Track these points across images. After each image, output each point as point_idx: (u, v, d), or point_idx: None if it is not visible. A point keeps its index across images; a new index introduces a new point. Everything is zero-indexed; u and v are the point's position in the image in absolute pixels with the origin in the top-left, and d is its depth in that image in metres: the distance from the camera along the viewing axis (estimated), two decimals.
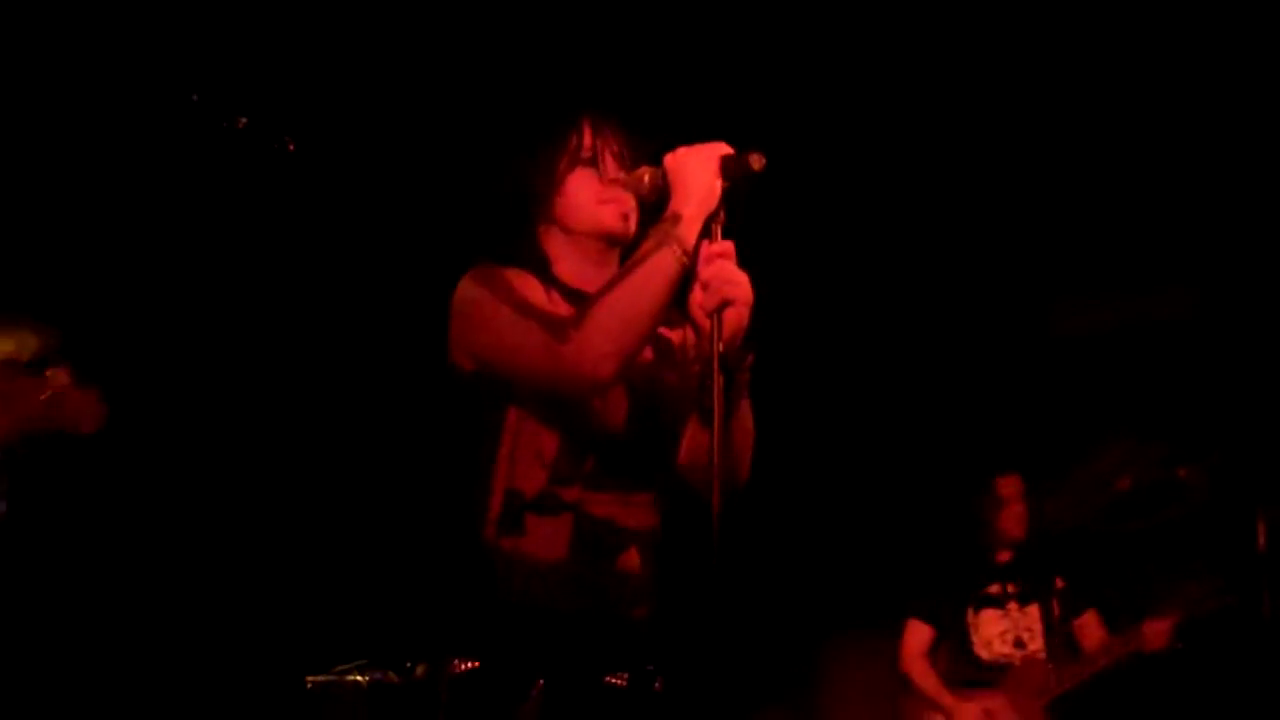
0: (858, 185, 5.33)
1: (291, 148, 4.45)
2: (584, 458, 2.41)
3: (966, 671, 4.94)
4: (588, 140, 2.52)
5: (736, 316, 2.29)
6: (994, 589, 4.90)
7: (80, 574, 4.89)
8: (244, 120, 4.02)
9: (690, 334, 2.51)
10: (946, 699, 4.91)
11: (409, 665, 4.75)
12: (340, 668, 4.78)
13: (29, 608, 4.51)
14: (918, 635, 5.07)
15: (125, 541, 4.98)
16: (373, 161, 4.76)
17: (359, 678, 4.72)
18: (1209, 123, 4.91)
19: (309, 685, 4.79)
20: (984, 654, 4.89)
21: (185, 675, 5.05)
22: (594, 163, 2.51)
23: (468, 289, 2.44)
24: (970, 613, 4.93)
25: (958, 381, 5.87)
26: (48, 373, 2.13)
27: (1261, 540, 4.48)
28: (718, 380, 2.21)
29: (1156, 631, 4.58)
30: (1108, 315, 5.75)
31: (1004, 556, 4.96)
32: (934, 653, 5.04)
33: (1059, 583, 4.88)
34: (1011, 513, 4.93)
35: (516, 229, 2.54)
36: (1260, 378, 5.14)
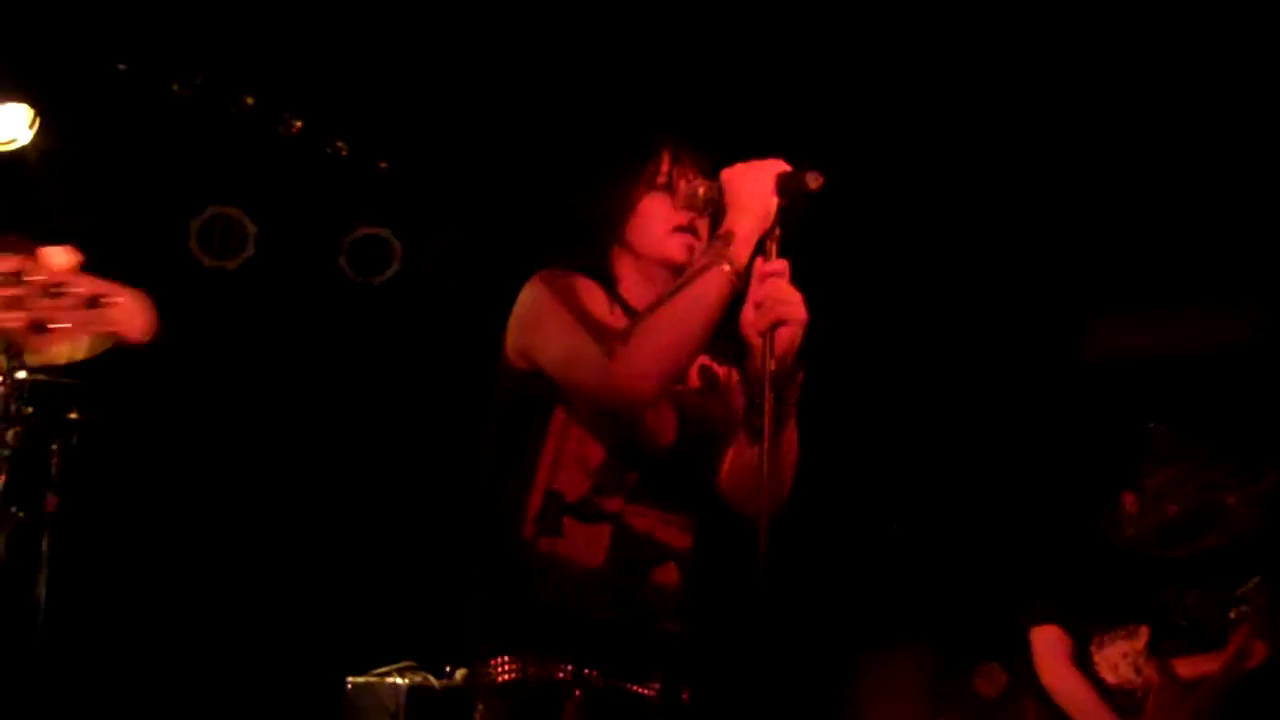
0: (897, 206, 5.32)
1: (345, 153, 4.53)
2: (628, 471, 2.41)
3: None
4: (665, 167, 2.51)
5: (789, 335, 2.26)
6: (1121, 607, 4.56)
7: (124, 576, 4.93)
8: (343, 146, 4.09)
9: (735, 372, 2.51)
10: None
11: (448, 669, 4.77)
12: (380, 670, 4.81)
13: (79, 602, 4.56)
14: (1057, 641, 4.34)
15: (171, 544, 5.02)
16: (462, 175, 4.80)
17: (398, 680, 4.75)
18: (1253, 145, 4.87)
19: (349, 687, 4.82)
20: (1110, 678, 4.37)
21: (229, 675, 5.08)
22: (669, 189, 2.50)
23: (533, 289, 2.45)
24: (1099, 630, 4.38)
25: (1004, 400, 5.84)
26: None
27: None
28: (769, 398, 2.20)
29: (1258, 648, 4.44)
30: (1155, 337, 5.72)
31: (1116, 559, 4.61)
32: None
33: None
34: (1135, 523, 4.58)
35: (589, 246, 2.54)
36: None
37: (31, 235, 1.81)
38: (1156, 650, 4.36)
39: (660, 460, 2.44)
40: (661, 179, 2.51)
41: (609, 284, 2.51)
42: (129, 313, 1.79)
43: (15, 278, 1.75)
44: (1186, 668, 4.43)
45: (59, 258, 1.82)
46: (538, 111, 4.67)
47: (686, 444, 2.45)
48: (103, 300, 1.79)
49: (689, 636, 2.48)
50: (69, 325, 1.82)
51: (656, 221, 2.50)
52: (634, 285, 2.53)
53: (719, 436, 2.51)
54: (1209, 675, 4.42)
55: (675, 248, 2.49)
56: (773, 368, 2.23)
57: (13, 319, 1.74)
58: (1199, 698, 4.37)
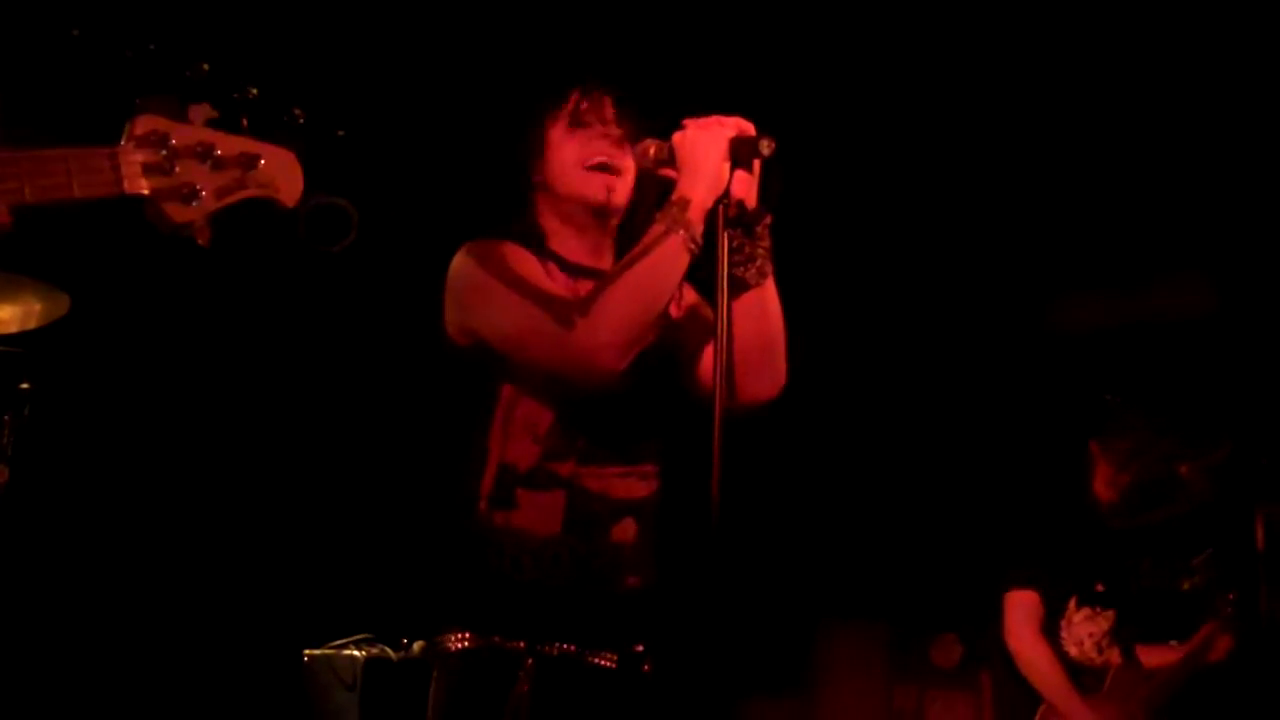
0: (864, 184, 5.32)
1: (302, 119, 4.47)
2: (577, 433, 2.39)
3: None
4: (576, 102, 2.48)
5: (744, 179, 2.28)
6: (1098, 587, 4.53)
7: (77, 549, 4.89)
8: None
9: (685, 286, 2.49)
10: (1074, 698, 4.25)
11: (405, 641, 4.76)
12: (337, 643, 4.80)
13: (31, 577, 4.52)
14: (1032, 607, 4.31)
15: (125, 518, 4.98)
16: (369, 132, 4.74)
17: (355, 653, 4.73)
18: (1211, 118, 4.89)
19: (306, 659, 4.80)
20: (1073, 651, 4.35)
21: (184, 651, 5.05)
22: (581, 124, 2.47)
23: (463, 265, 2.42)
24: (1073, 603, 4.37)
25: (968, 378, 5.87)
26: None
27: (1260, 539, 4.47)
28: (722, 298, 2.19)
29: (1222, 642, 4.46)
30: (1111, 310, 5.75)
31: (1097, 529, 4.59)
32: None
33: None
34: (1102, 474, 4.56)
35: (511, 195, 2.51)
36: (1266, 375, 5.13)
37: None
38: (1121, 635, 4.38)
39: (613, 410, 2.41)
40: (572, 114, 2.47)
41: (537, 241, 2.48)
42: (280, 173, 1.75)
43: (159, 140, 1.66)
44: (1149, 656, 4.45)
45: (207, 116, 1.72)
46: (447, 70, 4.63)
47: (639, 381, 2.40)
48: (254, 161, 1.73)
49: (651, 590, 2.47)
50: (216, 191, 1.69)
51: (569, 158, 2.46)
52: (563, 235, 2.50)
53: (683, 350, 2.49)
54: (1168, 665, 4.46)
55: (594, 187, 2.46)
56: (733, 214, 2.24)
57: (155, 185, 1.65)
58: (1156, 684, 4.41)
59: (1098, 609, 4.39)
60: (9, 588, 4.24)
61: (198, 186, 1.66)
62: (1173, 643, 4.50)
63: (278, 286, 4.89)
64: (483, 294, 2.38)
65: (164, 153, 1.65)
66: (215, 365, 5.14)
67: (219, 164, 1.68)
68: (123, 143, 1.66)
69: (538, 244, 2.48)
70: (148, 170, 1.64)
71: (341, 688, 4.68)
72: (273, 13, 4.38)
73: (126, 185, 1.64)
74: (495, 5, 4.53)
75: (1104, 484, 4.47)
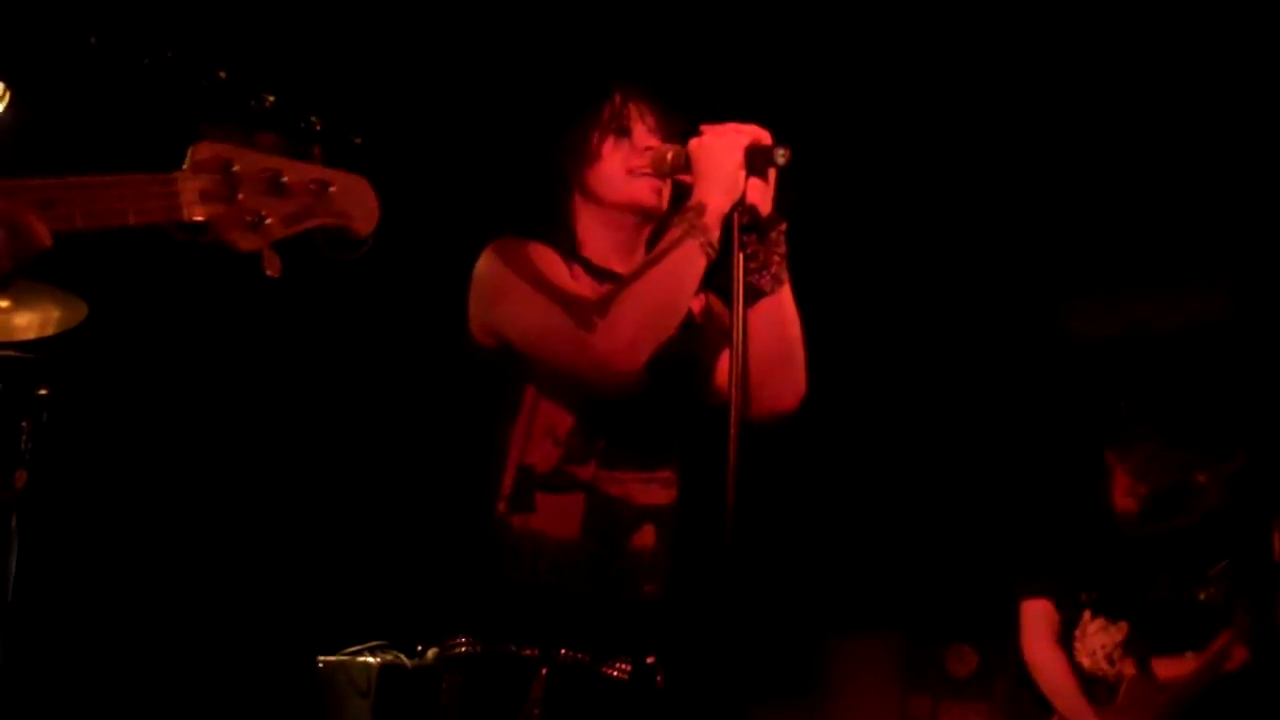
0: (879, 189, 5.32)
1: (318, 127, 4.49)
2: (598, 436, 2.39)
3: None
4: (620, 110, 2.49)
5: (759, 186, 2.30)
6: (1114, 597, 4.51)
7: (94, 553, 4.91)
8: (271, 99, 4.02)
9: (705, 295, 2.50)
10: (1086, 709, 4.24)
11: (420, 648, 4.76)
12: (351, 649, 4.80)
13: (49, 580, 4.53)
14: (1047, 617, 4.31)
15: (142, 522, 5.00)
16: (398, 131, 4.76)
17: (370, 659, 4.74)
18: (1228, 124, 4.88)
19: (320, 666, 4.81)
20: (1086, 662, 4.34)
21: (199, 654, 5.06)
22: (626, 133, 2.48)
23: (489, 264, 2.42)
24: (1088, 614, 4.37)
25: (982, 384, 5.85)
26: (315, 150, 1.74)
27: (1277, 549, 4.44)
28: (738, 305, 2.19)
29: (1238, 652, 4.44)
30: (1126, 317, 5.74)
31: (1112, 539, 4.58)
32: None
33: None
34: (1120, 484, 4.54)
35: (547, 200, 2.52)
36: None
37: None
38: (1135, 647, 4.36)
39: (634, 414, 2.41)
40: (618, 122, 2.48)
41: (567, 244, 2.49)
42: (353, 200, 1.70)
43: (221, 166, 1.62)
44: (1164, 668, 4.42)
45: (275, 143, 1.67)
46: (486, 70, 4.65)
47: (666, 382, 2.41)
48: (324, 188, 1.67)
49: (668, 598, 2.47)
50: (283, 218, 1.64)
51: (618, 166, 2.47)
52: (597, 239, 2.51)
53: (702, 357, 2.50)
54: (1184, 676, 4.43)
55: (643, 191, 2.47)
56: (746, 220, 2.26)
57: (214, 211, 1.60)
58: (1171, 696, 4.38)
59: (1112, 620, 4.37)
60: (27, 590, 4.25)
61: (263, 214, 1.63)
62: (1188, 654, 4.47)
63: (296, 285, 4.89)
64: (505, 292, 2.38)
65: (225, 179, 1.61)
66: (232, 370, 5.15)
67: (286, 191, 1.65)
68: (183, 168, 1.62)
69: (567, 247, 2.49)
70: (207, 197, 1.60)
71: (356, 694, 4.69)
72: (305, 11, 4.41)
73: (184, 212, 1.60)
74: (517, 10, 4.55)
75: (1123, 494, 4.46)
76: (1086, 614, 4.37)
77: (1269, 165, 4.94)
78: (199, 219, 1.60)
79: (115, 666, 4.90)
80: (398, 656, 4.75)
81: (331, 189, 1.67)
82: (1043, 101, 4.93)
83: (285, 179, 1.64)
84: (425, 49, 4.62)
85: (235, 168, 1.61)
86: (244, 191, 1.61)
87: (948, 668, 6.04)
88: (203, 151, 1.62)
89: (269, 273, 1.67)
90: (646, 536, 2.43)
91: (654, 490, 2.45)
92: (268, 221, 1.63)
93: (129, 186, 1.59)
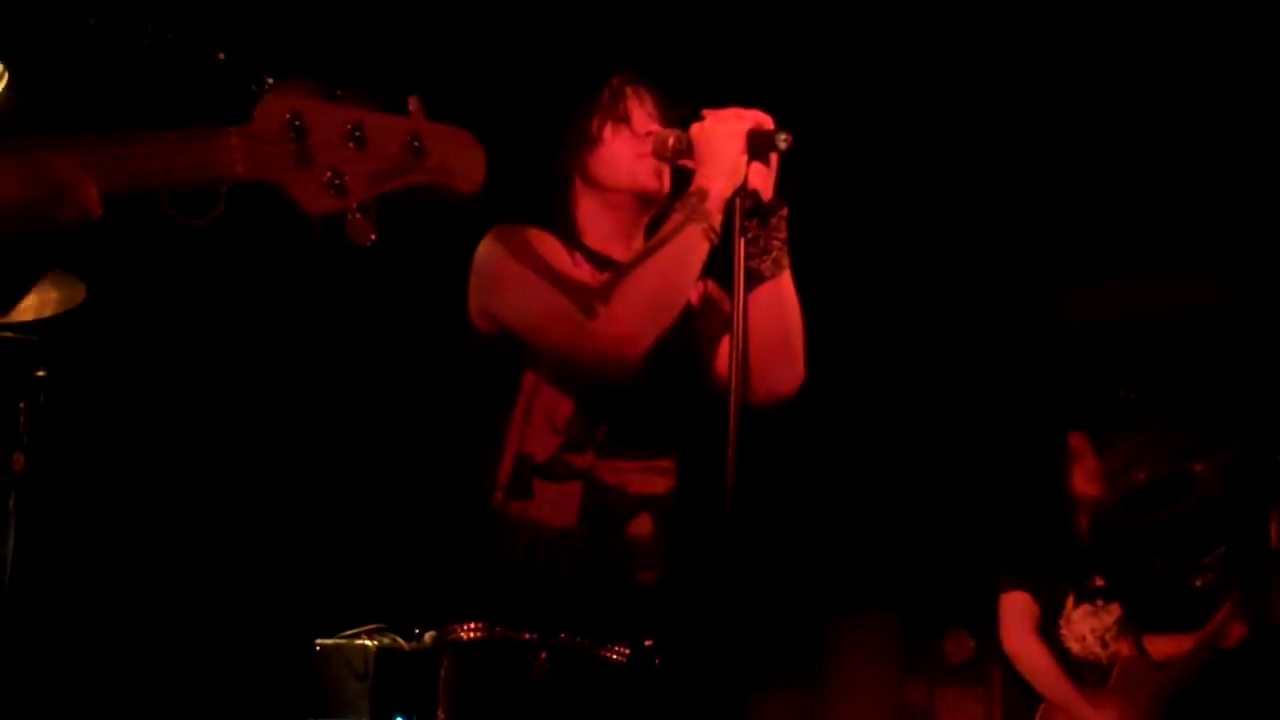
0: (873, 177, 5.31)
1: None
2: (597, 424, 2.38)
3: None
4: (620, 95, 2.48)
5: (760, 170, 2.29)
6: (1098, 582, 4.53)
7: (91, 535, 4.91)
8: (270, 81, 4.00)
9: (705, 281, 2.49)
10: (1073, 695, 4.26)
11: (417, 631, 4.77)
12: (349, 632, 4.81)
13: (46, 563, 4.53)
14: (1024, 608, 4.34)
15: (139, 504, 5.00)
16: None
17: (367, 642, 4.75)
18: (1224, 112, 4.88)
19: (318, 649, 4.82)
20: (1075, 648, 4.36)
21: (196, 637, 5.07)
22: (626, 118, 2.47)
23: (489, 249, 2.41)
24: (1071, 601, 4.38)
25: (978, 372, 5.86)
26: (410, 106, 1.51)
27: (1273, 536, 4.45)
28: (739, 290, 2.19)
29: (1236, 628, 4.44)
30: (1122, 304, 5.74)
31: (1084, 524, 4.60)
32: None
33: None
34: (1084, 468, 4.54)
35: (548, 186, 2.50)
36: (1278, 371, 5.11)
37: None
38: (1130, 625, 4.37)
39: (634, 402, 2.41)
40: (619, 108, 2.47)
41: (568, 229, 2.48)
42: (455, 155, 1.51)
43: (290, 120, 1.44)
44: (1158, 646, 4.45)
45: (357, 97, 1.48)
46: (485, 56, 4.64)
47: (665, 369, 2.40)
48: (419, 142, 1.49)
49: (665, 585, 2.47)
50: (369, 177, 1.46)
51: (620, 151, 2.46)
52: (598, 226, 2.50)
53: (701, 343, 2.49)
54: (1180, 654, 4.44)
55: (644, 174, 2.45)
56: (748, 205, 2.25)
57: (281, 168, 1.43)
58: (1166, 675, 4.39)
59: (1099, 603, 4.38)
60: (24, 574, 4.26)
61: (342, 171, 1.44)
62: (1183, 633, 4.48)
63: (296, 271, 4.88)
64: (507, 278, 2.37)
65: (295, 134, 1.43)
66: (231, 353, 5.15)
67: (371, 146, 1.46)
68: (248, 124, 1.44)
69: (568, 234, 2.47)
70: (273, 153, 1.42)
71: (353, 677, 4.70)
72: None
73: (240, 169, 1.42)
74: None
75: (1086, 478, 4.46)
76: (1070, 600, 4.38)
77: (1265, 152, 4.94)
78: (267, 177, 1.43)
79: (113, 649, 4.91)
80: (395, 640, 4.76)
81: (427, 143, 1.48)
82: (1040, 90, 4.92)
83: (369, 133, 1.45)
84: (424, 36, 4.60)
85: (307, 120, 1.43)
86: (316, 147, 1.43)
87: (945, 653, 6.06)
88: (269, 105, 1.44)
89: (356, 239, 1.48)
90: (644, 525, 2.42)
91: (652, 479, 2.44)
92: (347, 180, 1.45)
93: (186, 140, 1.42)
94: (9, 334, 4.19)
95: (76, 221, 1.41)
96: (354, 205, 1.46)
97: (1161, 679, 4.38)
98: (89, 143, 1.41)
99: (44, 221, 1.41)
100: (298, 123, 1.43)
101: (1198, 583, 4.60)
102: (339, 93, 1.45)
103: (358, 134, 1.45)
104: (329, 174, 1.44)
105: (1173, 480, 4.53)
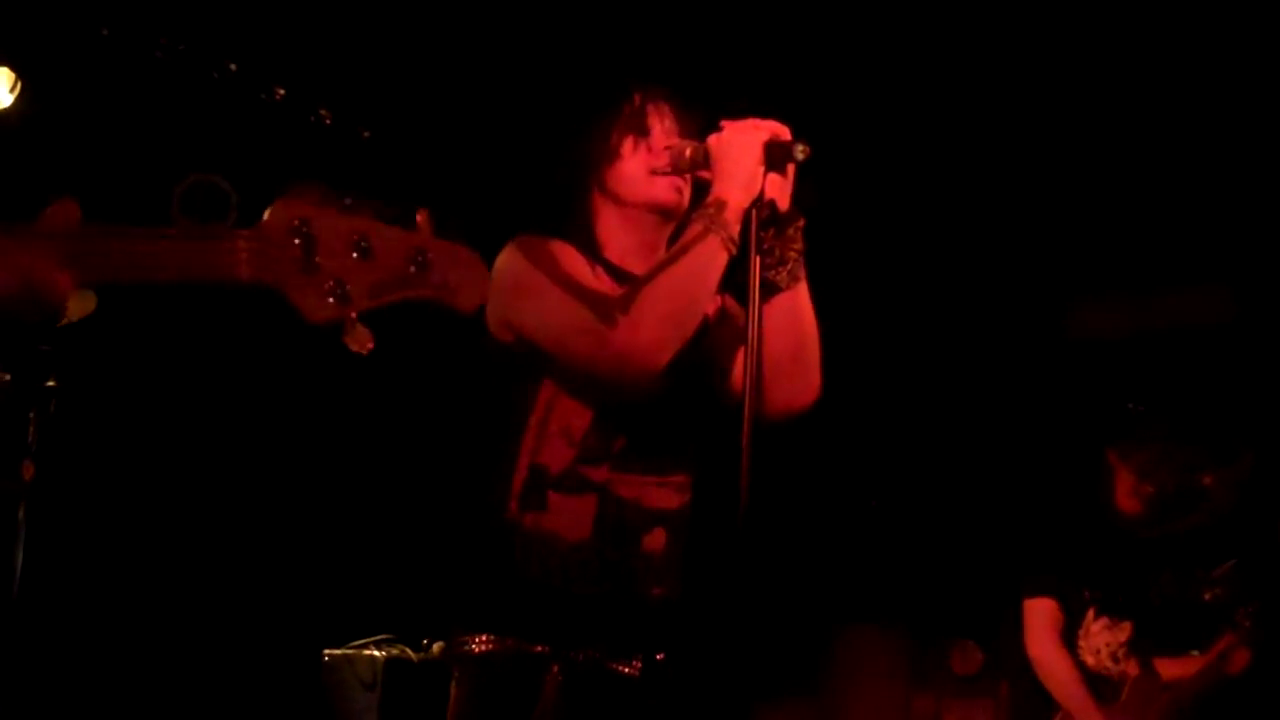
0: (885, 188, 5.32)
1: (329, 121, 4.50)
2: (614, 437, 2.38)
3: None
4: (640, 110, 2.48)
5: (777, 181, 2.29)
6: (1118, 597, 4.51)
7: (100, 545, 4.91)
8: (281, 91, 4.01)
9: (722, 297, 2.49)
10: (1091, 707, 4.25)
11: (425, 642, 4.77)
12: (357, 643, 4.81)
13: (55, 571, 4.54)
14: (1051, 615, 4.33)
15: (148, 514, 5.00)
16: (421, 130, 4.75)
17: (375, 653, 4.75)
18: (1233, 126, 4.88)
19: (326, 659, 4.81)
20: (1090, 660, 4.35)
21: (204, 647, 5.07)
22: (646, 132, 2.47)
23: (510, 259, 2.39)
24: (1092, 613, 4.36)
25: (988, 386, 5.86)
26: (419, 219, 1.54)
27: None
28: (754, 301, 2.19)
29: (1240, 656, 4.44)
30: (1131, 317, 5.74)
31: (1119, 538, 4.53)
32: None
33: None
34: (1124, 484, 4.39)
35: (568, 201, 2.50)
36: None
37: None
38: (1139, 646, 4.36)
39: (652, 416, 2.40)
40: (638, 121, 2.47)
41: (588, 243, 2.47)
42: (457, 273, 1.51)
43: (297, 227, 1.46)
44: (1167, 668, 4.42)
45: (366, 207, 1.49)
46: (505, 70, 4.65)
47: (682, 382, 2.39)
48: (422, 256, 1.49)
49: (678, 599, 2.46)
50: (370, 287, 1.47)
51: (639, 166, 2.45)
52: (618, 240, 2.49)
53: (717, 357, 2.48)
54: (1187, 676, 4.43)
55: (663, 190, 2.45)
56: (764, 214, 2.25)
57: (283, 274, 1.45)
58: (1174, 697, 4.38)
59: (1116, 619, 4.38)
60: (34, 582, 4.26)
61: (345, 281, 1.46)
62: (1193, 653, 4.48)
63: None
64: (527, 288, 2.36)
65: (300, 241, 1.44)
66: (242, 361, 5.15)
67: (376, 258, 1.47)
68: (255, 227, 1.46)
69: (589, 248, 2.47)
70: (274, 259, 1.44)
71: (361, 688, 4.70)
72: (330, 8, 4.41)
73: (242, 271, 1.44)
74: (536, 10, 4.54)
75: (1126, 494, 4.47)
76: (1090, 612, 4.38)
77: (1274, 166, 4.94)
78: (264, 281, 1.44)
79: (121, 658, 4.90)
80: (403, 650, 4.75)
81: (431, 258, 1.50)
82: (1051, 104, 4.93)
83: (374, 244, 1.47)
84: (445, 49, 4.61)
85: (314, 228, 1.45)
86: (321, 255, 1.45)
87: (952, 665, 6.05)
88: (278, 210, 1.46)
89: (353, 348, 1.51)
90: (657, 539, 2.42)
91: (667, 494, 2.44)
92: (350, 289, 1.47)
93: (187, 237, 1.44)
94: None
95: (42, 320, 1.45)
96: (354, 315, 1.49)
97: (1170, 700, 4.38)
98: (67, 242, 1.42)
99: (8, 316, 1.44)
100: (305, 230, 1.45)
101: (1207, 596, 4.59)
102: (348, 202, 1.47)
103: (363, 244, 1.47)
104: (332, 282, 1.46)
105: (1182, 493, 4.51)
